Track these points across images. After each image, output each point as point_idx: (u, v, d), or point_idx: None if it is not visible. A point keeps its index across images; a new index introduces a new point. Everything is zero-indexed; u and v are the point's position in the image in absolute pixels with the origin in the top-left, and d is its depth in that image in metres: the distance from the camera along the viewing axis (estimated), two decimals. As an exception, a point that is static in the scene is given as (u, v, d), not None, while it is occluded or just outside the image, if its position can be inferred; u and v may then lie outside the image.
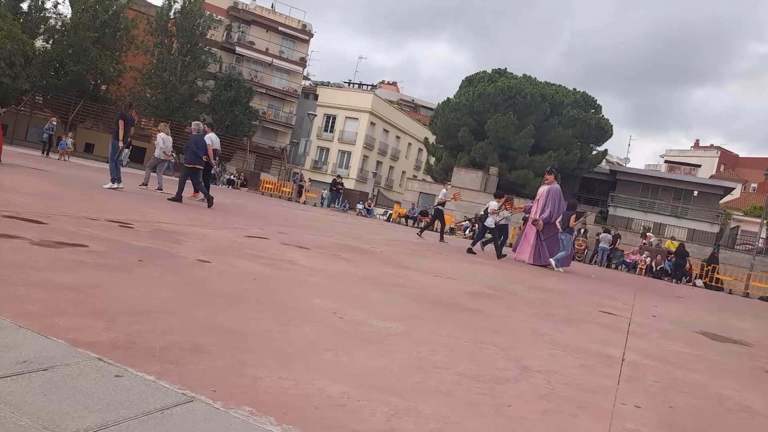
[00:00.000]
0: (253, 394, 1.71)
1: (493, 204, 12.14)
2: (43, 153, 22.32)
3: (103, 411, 1.41)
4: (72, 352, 1.74)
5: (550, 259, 11.62)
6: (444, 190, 14.93)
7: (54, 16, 35.21)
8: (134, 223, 5.35)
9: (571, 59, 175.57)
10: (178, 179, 10.79)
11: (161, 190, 12.39)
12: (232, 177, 32.20)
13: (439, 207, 14.84)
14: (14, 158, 13.20)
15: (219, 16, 41.58)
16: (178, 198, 9.92)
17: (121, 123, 10.09)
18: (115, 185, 9.61)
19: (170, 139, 13.57)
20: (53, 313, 2.09)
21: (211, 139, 12.11)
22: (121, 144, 9.97)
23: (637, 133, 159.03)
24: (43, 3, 34.38)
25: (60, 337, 1.84)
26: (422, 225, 18.08)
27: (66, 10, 35.18)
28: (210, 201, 10.10)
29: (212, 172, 12.38)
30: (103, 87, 35.88)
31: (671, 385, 2.88)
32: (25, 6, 33.79)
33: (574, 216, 12.11)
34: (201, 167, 10.64)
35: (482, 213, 12.40)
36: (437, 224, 15.06)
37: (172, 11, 37.33)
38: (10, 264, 2.70)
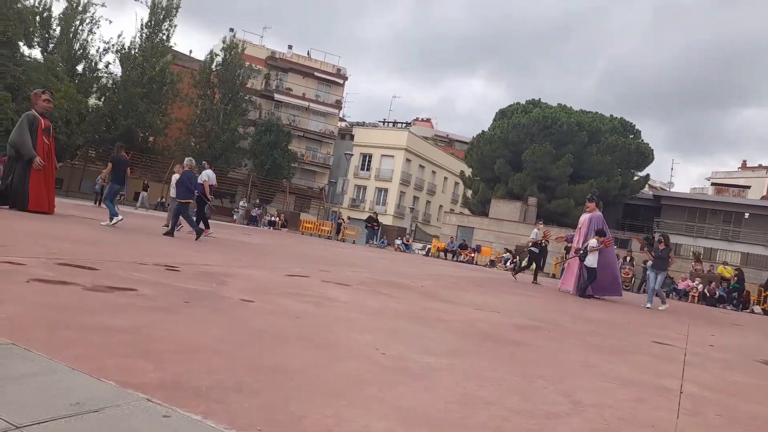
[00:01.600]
0: (297, 432, 1.70)
1: (593, 242, 11.29)
2: (95, 203, 23.37)
3: (152, 450, 1.42)
4: (122, 393, 1.78)
5: (647, 304, 11.18)
6: (535, 230, 14.68)
7: (106, 75, 37.52)
8: (180, 266, 5.51)
9: (607, 87, 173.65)
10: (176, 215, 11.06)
11: (168, 226, 12.77)
12: (272, 218, 32.82)
13: (533, 248, 14.64)
14: (69, 209, 13.86)
15: (258, 66, 43.35)
16: (170, 233, 10.25)
17: (108, 165, 10.96)
18: (112, 222, 9.94)
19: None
20: (104, 355, 2.15)
21: (208, 175, 12.70)
22: (101, 182, 10.58)
23: (681, 157, 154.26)
24: (96, 64, 36.71)
25: (111, 378, 1.89)
26: (515, 268, 17.05)
27: (116, 69, 37.46)
28: (198, 233, 10.33)
29: (207, 205, 12.84)
30: (151, 139, 37.65)
31: (735, 419, 2.71)
32: (80, 68, 36.14)
33: (672, 253, 11.56)
34: (191, 201, 11.04)
35: (581, 252, 11.42)
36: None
37: (214, 64, 39.20)
38: (65, 308, 2.81)
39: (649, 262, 22.06)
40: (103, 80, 37.39)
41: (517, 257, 26.07)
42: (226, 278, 5.16)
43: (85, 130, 33.29)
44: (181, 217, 10.94)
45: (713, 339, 6.75)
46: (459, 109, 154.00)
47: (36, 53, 33.63)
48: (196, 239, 10.02)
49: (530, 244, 14.80)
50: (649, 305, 11.30)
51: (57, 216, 10.11)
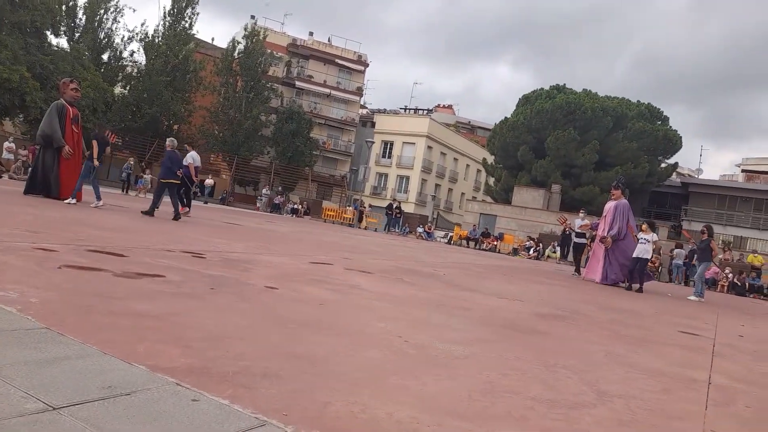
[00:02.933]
0: (323, 418, 1.72)
1: (653, 236, 10.83)
2: (122, 191, 23.83)
3: (182, 434, 1.46)
4: (152, 378, 1.82)
5: (692, 296, 10.89)
6: (577, 220, 13.92)
7: (130, 64, 37.94)
8: (206, 253, 5.59)
9: (638, 73, 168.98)
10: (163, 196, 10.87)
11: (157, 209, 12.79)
12: (295, 206, 33.05)
13: (577, 239, 13.91)
14: (96, 197, 14.15)
15: (279, 53, 43.40)
16: (151, 212, 10.06)
17: (94, 143, 10.59)
18: (99, 203, 9.88)
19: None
20: (135, 340, 2.20)
21: (193, 157, 12.77)
22: (96, 163, 10.36)
23: (713, 143, 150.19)
24: (121, 53, 37.16)
25: (141, 363, 1.93)
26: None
27: (141, 57, 37.87)
28: (177, 216, 10.27)
29: (192, 187, 12.88)
30: (175, 127, 38.04)
31: (766, 410, 2.66)
32: (105, 57, 36.65)
33: (713, 242, 11.10)
34: (176, 182, 10.93)
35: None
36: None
37: (236, 52, 39.37)
38: (95, 294, 2.88)
39: (676, 251, 21.66)
40: (128, 69, 37.83)
41: (540, 244, 25.83)
42: (251, 265, 5.23)
43: (112, 118, 33.80)
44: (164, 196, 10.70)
45: (743, 329, 6.62)
46: (484, 96, 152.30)
47: (63, 42, 34.17)
48: (173, 219, 10.02)
49: (573, 233, 14.26)
50: (693, 297, 10.98)
51: (85, 203, 10.33)
